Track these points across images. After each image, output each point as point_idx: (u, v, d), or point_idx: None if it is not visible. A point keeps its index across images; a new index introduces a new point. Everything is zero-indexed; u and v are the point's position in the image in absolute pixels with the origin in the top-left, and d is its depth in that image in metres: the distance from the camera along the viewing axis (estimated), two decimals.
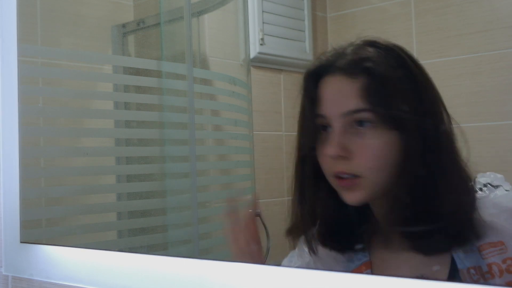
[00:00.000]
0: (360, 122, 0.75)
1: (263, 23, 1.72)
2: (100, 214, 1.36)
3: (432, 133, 0.75)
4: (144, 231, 1.39)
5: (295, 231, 0.84)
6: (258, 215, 1.61)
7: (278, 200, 1.75)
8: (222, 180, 1.63)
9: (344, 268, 0.79)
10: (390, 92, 0.75)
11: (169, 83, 1.41)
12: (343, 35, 1.78)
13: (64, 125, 1.34)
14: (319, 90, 0.78)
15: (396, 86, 0.75)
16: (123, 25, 1.57)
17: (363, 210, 0.79)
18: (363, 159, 0.74)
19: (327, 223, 0.80)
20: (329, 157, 0.76)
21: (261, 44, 1.70)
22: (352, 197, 0.75)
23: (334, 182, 0.77)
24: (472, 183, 0.76)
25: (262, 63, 1.73)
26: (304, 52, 1.81)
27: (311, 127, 0.78)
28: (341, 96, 0.76)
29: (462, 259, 0.73)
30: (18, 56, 1.10)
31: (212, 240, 1.53)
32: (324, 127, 0.78)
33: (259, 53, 1.70)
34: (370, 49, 0.77)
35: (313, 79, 0.79)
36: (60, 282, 0.98)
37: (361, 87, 0.74)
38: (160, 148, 1.43)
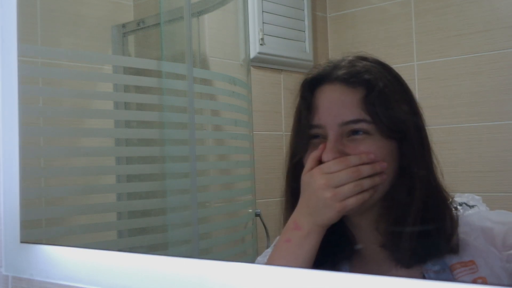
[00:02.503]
0: (356, 131, 0.76)
1: (263, 23, 1.72)
2: (100, 214, 1.36)
3: (423, 145, 0.77)
4: (144, 231, 1.39)
5: None
6: (258, 215, 1.61)
7: (278, 200, 1.75)
8: (222, 180, 1.63)
9: None
10: (389, 104, 0.76)
11: (169, 83, 1.41)
12: (343, 35, 1.79)
13: (64, 125, 1.34)
14: (315, 98, 0.78)
15: (394, 99, 0.77)
16: (123, 25, 1.57)
17: (342, 228, 0.79)
18: None
19: None
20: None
21: (261, 44, 1.70)
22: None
23: None
24: (450, 195, 0.77)
25: (262, 63, 1.73)
26: (304, 52, 1.81)
27: (306, 136, 0.79)
28: (340, 106, 0.77)
29: (434, 279, 0.72)
30: (18, 56, 1.10)
31: (212, 240, 1.53)
32: (316, 136, 0.78)
33: (259, 53, 1.70)
34: (365, 63, 0.79)
35: (310, 87, 0.80)
36: (60, 282, 0.98)
37: (361, 97, 0.75)
38: (160, 148, 1.43)
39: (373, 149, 0.74)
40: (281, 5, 1.79)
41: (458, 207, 0.80)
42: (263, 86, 1.74)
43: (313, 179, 0.73)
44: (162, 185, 1.42)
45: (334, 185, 0.72)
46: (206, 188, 1.53)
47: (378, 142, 0.75)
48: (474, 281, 0.71)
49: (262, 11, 1.72)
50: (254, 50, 1.69)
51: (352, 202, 0.72)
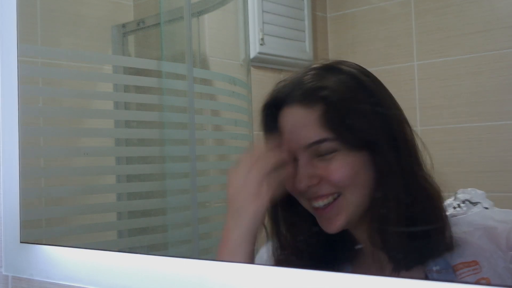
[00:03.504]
0: (326, 150, 0.75)
1: (263, 23, 1.72)
2: (100, 214, 1.36)
3: (398, 149, 0.75)
4: (144, 231, 1.39)
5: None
6: None
7: None
8: (222, 180, 1.63)
9: None
10: (350, 117, 0.75)
11: (169, 83, 1.41)
12: (343, 35, 1.78)
13: (64, 125, 1.34)
14: (279, 123, 0.78)
15: (355, 110, 0.76)
16: (123, 25, 1.57)
17: (343, 233, 0.79)
18: (336, 178, 0.75)
19: (312, 248, 0.80)
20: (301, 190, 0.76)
21: (261, 44, 1.70)
22: (332, 226, 0.75)
23: (313, 212, 0.78)
24: (441, 194, 0.76)
25: (262, 63, 1.73)
26: (304, 52, 1.81)
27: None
28: (300, 128, 0.76)
29: (436, 280, 0.72)
30: (18, 56, 1.10)
31: (212, 240, 1.53)
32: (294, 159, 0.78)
33: (259, 53, 1.70)
34: (328, 75, 0.77)
35: (272, 111, 0.79)
36: (60, 282, 0.98)
37: (319, 116, 0.74)
38: (160, 148, 1.43)
39: (344, 165, 0.74)
40: (281, 5, 1.79)
41: (461, 204, 0.79)
42: (263, 86, 1.73)
43: None
44: (162, 185, 1.42)
45: None
46: (206, 188, 1.53)
47: (348, 157, 0.74)
48: (477, 282, 0.70)
49: (262, 11, 1.72)
50: (254, 50, 1.69)
51: None
